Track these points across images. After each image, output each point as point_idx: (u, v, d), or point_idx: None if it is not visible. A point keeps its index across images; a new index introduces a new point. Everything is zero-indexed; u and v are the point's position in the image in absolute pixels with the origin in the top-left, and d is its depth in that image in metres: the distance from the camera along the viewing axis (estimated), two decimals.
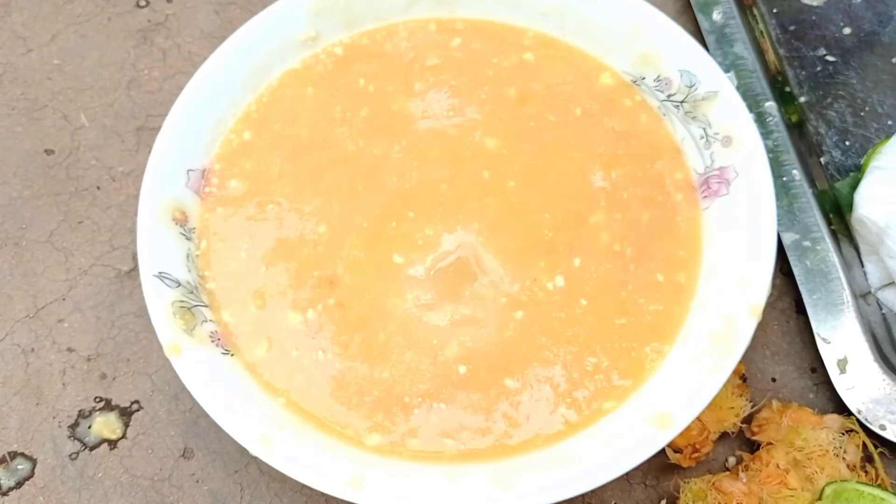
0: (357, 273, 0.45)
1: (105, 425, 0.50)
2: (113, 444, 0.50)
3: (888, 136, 0.54)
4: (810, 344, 0.51)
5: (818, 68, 0.59)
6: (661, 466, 0.48)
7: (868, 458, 0.47)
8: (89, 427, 0.50)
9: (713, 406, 0.46)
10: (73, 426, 0.50)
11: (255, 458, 0.40)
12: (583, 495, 0.40)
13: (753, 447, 0.48)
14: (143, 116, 0.59)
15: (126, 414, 0.50)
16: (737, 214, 0.45)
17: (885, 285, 0.51)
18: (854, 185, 0.53)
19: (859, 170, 0.54)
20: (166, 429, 0.50)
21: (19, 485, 0.49)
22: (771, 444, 0.46)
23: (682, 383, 0.41)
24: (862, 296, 0.51)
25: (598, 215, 0.46)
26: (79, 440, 0.50)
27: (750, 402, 0.48)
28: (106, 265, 0.54)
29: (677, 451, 0.46)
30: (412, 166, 0.48)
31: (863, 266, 0.52)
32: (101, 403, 0.51)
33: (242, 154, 0.48)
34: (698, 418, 0.41)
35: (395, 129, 0.49)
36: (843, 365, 0.49)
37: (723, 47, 0.58)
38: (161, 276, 0.43)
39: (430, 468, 0.41)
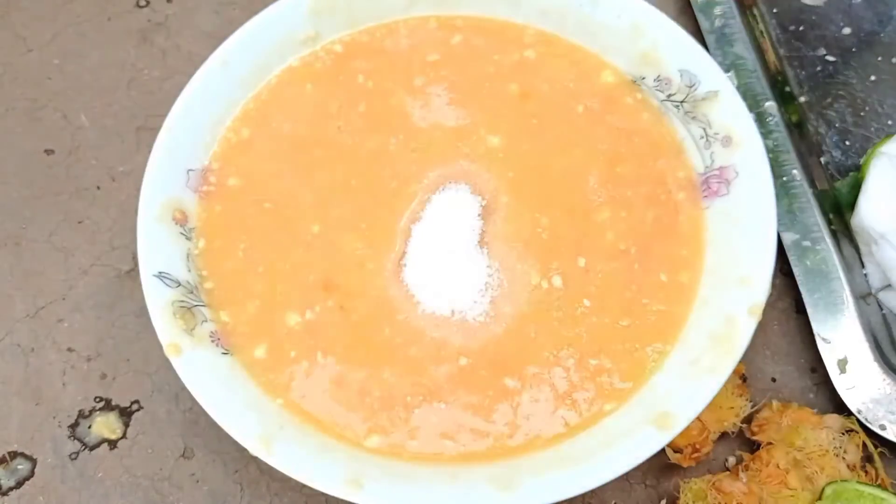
0: (354, 272, 0.45)
1: (105, 425, 0.50)
2: (113, 444, 0.50)
3: (888, 136, 0.54)
4: (810, 344, 0.51)
5: (818, 68, 0.59)
6: (661, 466, 0.48)
7: (868, 458, 0.47)
8: (89, 427, 0.50)
9: (713, 406, 0.46)
10: (73, 426, 0.50)
11: (255, 458, 0.40)
12: (583, 495, 0.40)
13: (753, 447, 0.48)
14: (143, 116, 0.59)
15: (126, 414, 0.50)
16: (737, 214, 0.45)
17: (885, 286, 0.51)
18: (854, 185, 0.53)
19: (859, 170, 0.54)
20: (166, 429, 0.50)
21: (19, 485, 0.49)
22: (771, 444, 0.46)
23: (682, 383, 0.41)
24: (862, 296, 0.51)
25: (604, 213, 0.46)
26: (79, 440, 0.50)
27: (750, 402, 0.48)
28: (106, 265, 0.54)
29: (677, 451, 0.46)
30: (410, 159, 0.48)
31: (863, 267, 0.52)
32: (101, 403, 0.51)
33: (240, 152, 0.48)
34: (698, 418, 0.41)
35: (392, 124, 0.49)
36: (843, 365, 0.49)
37: (723, 47, 0.58)
38: (161, 275, 0.43)
39: (429, 469, 0.41)
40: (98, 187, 0.57)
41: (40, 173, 0.57)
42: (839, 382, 0.48)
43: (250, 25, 0.49)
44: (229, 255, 0.46)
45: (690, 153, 0.48)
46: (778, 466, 0.45)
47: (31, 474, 0.49)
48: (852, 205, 0.52)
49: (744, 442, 0.49)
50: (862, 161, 0.54)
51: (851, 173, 0.55)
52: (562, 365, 0.43)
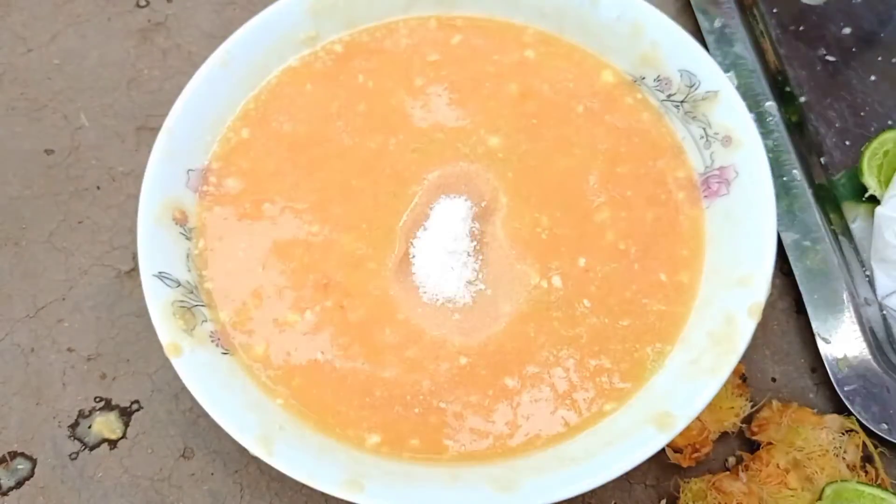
0: (354, 272, 0.45)
1: (105, 425, 0.50)
2: (113, 444, 0.50)
3: (884, 130, 0.54)
4: (810, 344, 0.51)
5: (818, 68, 0.59)
6: (661, 466, 0.48)
7: (868, 458, 0.47)
8: (89, 427, 0.50)
9: (713, 406, 0.46)
10: (73, 426, 0.50)
11: (255, 458, 0.40)
12: (583, 495, 0.40)
13: (753, 447, 0.48)
14: (143, 116, 0.59)
15: (126, 414, 0.50)
16: (737, 214, 0.45)
17: (892, 293, 0.51)
18: (851, 178, 0.54)
19: (858, 164, 0.54)
20: (166, 429, 0.50)
21: (19, 485, 0.49)
22: (771, 444, 0.46)
23: (682, 383, 0.41)
24: (864, 299, 0.51)
25: (604, 213, 0.46)
26: (79, 440, 0.50)
27: (750, 402, 0.48)
28: (106, 265, 0.54)
29: (677, 451, 0.46)
30: (410, 159, 0.48)
31: (863, 267, 0.52)
32: (101, 403, 0.51)
33: (240, 152, 0.48)
34: (698, 418, 0.41)
35: (392, 124, 0.49)
36: (843, 365, 0.49)
37: (723, 47, 0.58)
38: (161, 276, 0.43)
39: (429, 469, 0.41)
40: (98, 187, 0.57)
41: (40, 173, 0.57)
42: (839, 382, 0.48)
43: (250, 25, 0.49)
44: (229, 255, 0.46)
45: (690, 153, 0.48)
46: (778, 466, 0.45)
47: (31, 474, 0.49)
48: (850, 197, 0.52)
49: (744, 442, 0.49)
50: (861, 151, 0.54)
51: (848, 169, 0.55)
52: (562, 365, 0.43)
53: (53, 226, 0.55)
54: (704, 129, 0.47)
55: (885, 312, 0.51)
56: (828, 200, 0.54)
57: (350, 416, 0.43)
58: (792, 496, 0.45)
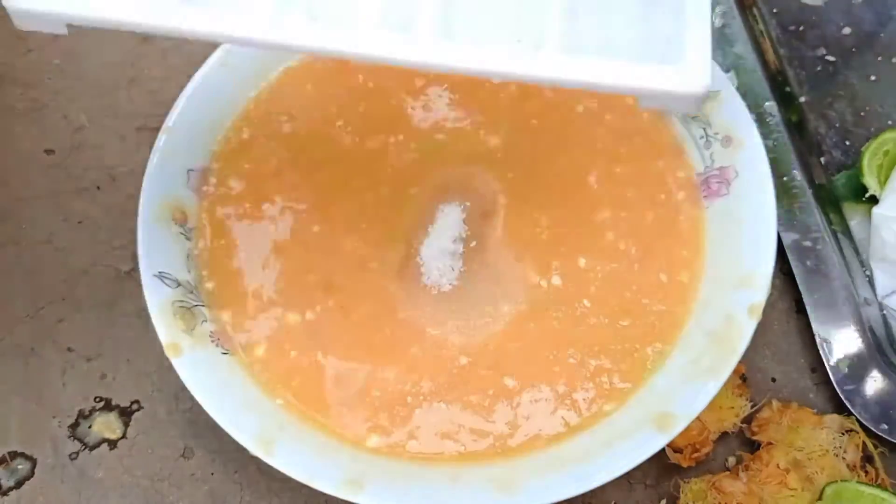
0: (355, 272, 0.45)
1: (105, 425, 0.50)
2: (113, 444, 0.50)
3: (884, 130, 0.54)
4: (810, 344, 0.51)
5: (818, 68, 0.59)
6: (661, 466, 0.48)
7: (868, 458, 0.47)
8: (89, 427, 0.50)
9: (713, 406, 0.46)
10: (73, 426, 0.50)
11: (255, 458, 0.40)
12: (583, 495, 0.40)
13: (753, 447, 0.48)
14: (143, 116, 0.59)
15: (126, 414, 0.50)
16: (737, 214, 0.45)
17: (892, 293, 0.51)
18: (851, 178, 0.54)
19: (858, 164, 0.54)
20: (166, 429, 0.50)
21: (19, 485, 0.49)
22: (771, 444, 0.46)
23: (682, 383, 0.41)
24: (864, 299, 0.51)
25: (604, 213, 0.46)
26: (79, 440, 0.50)
27: (750, 402, 0.48)
28: (106, 265, 0.54)
29: (677, 451, 0.46)
30: (410, 160, 0.48)
31: (863, 267, 0.52)
32: (101, 403, 0.51)
33: (241, 153, 0.48)
34: (698, 418, 0.41)
35: (392, 124, 0.49)
36: (843, 365, 0.49)
37: (723, 47, 0.58)
38: (161, 276, 0.43)
39: (430, 470, 0.41)
40: (98, 187, 0.56)
41: (40, 173, 0.57)
42: (839, 382, 0.48)
43: None
44: (229, 255, 0.46)
45: (690, 153, 0.48)
46: (778, 466, 0.45)
47: (31, 474, 0.49)
48: (850, 197, 0.52)
49: (744, 442, 0.49)
50: (862, 149, 0.54)
51: (848, 171, 0.55)
52: (561, 366, 0.43)
53: (53, 226, 0.55)
54: (704, 129, 0.47)
55: (885, 312, 0.51)
56: (828, 200, 0.54)
57: (350, 415, 0.43)
58: (792, 496, 0.45)
